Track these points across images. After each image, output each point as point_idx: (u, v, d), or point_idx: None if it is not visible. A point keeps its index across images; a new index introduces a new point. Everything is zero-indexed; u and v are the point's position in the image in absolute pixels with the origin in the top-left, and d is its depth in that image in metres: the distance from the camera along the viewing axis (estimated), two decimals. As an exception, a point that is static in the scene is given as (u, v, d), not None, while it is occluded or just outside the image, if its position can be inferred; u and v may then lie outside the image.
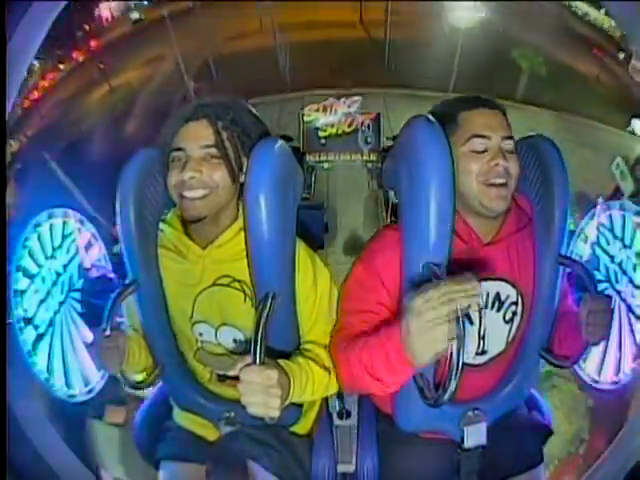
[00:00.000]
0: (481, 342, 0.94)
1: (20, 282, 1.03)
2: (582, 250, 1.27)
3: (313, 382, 0.89)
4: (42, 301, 1.09)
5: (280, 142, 0.90)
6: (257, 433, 1.04)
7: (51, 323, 1.11)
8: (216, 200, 0.89)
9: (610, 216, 1.20)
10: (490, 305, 0.94)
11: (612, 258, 1.20)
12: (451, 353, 0.69)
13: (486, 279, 0.92)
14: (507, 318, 0.96)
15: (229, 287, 0.94)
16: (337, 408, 1.19)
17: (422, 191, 0.83)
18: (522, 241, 0.96)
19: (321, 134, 4.22)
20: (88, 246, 1.24)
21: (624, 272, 1.16)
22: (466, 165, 0.88)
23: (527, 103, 6.57)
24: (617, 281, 1.18)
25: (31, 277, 1.06)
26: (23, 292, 1.04)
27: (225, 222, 0.93)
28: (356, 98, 4.23)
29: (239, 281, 0.93)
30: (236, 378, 0.73)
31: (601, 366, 1.23)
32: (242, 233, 0.91)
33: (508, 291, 0.95)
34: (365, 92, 4.25)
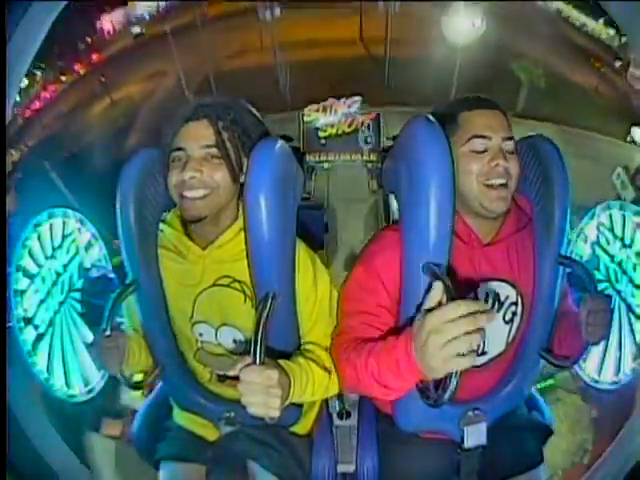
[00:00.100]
0: (481, 343, 0.94)
1: (20, 282, 1.03)
2: (582, 250, 1.27)
3: (313, 383, 0.88)
4: (42, 301, 1.09)
5: (280, 142, 0.90)
6: (257, 433, 1.04)
7: (51, 323, 1.11)
8: (216, 200, 0.89)
9: (610, 216, 1.21)
10: (490, 306, 0.94)
11: (612, 258, 1.20)
12: None
13: (486, 280, 0.92)
14: (507, 318, 0.96)
15: (229, 287, 0.94)
16: (337, 408, 1.19)
17: (422, 191, 0.82)
18: (522, 241, 0.96)
19: (321, 134, 4.22)
20: (88, 246, 1.25)
21: (624, 272, 1.16)
22: (466, 165, 0.88)
23: (527, 117, 6.57)
24: (617, 281, 1.18)
25: (31, 277, 1.06)
26: (23, 292, 1.04)
27: (225, 222, 0.93)
28: (356, 98, 4.23)
29: (239, 281, 0.93)
30: (236, 378, 0.73)
31: (601, 366, 1.24)
32: (242, 233, 0.90)
33: (508, 291, 0.95)
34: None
